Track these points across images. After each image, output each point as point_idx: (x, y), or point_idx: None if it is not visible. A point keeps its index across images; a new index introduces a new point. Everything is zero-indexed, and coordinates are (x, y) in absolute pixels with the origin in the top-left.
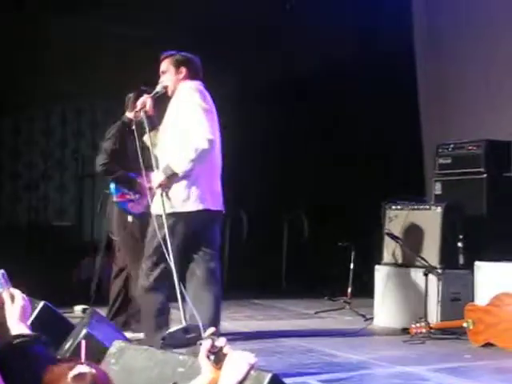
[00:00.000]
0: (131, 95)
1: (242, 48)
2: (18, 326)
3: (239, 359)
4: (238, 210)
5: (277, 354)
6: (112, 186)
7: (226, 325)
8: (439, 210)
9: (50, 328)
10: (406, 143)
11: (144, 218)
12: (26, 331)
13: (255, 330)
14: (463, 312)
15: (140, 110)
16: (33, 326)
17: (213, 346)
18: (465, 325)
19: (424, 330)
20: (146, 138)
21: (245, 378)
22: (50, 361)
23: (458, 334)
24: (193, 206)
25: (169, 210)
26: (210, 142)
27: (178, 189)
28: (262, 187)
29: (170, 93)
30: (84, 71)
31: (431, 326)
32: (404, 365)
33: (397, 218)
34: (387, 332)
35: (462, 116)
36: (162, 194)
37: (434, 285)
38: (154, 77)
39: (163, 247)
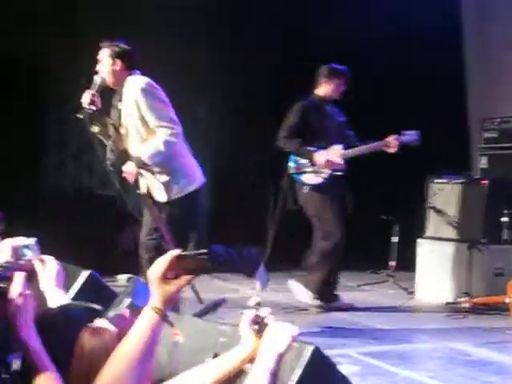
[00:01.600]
0: (325, 70)
1: (276, 26)
2: (53, 290)
3: (281, 330)
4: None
5: (318, 327)
6: (291, 159)
7: (269, 297)
8: (484, 184)
9: (95, 297)
10: (453, 116)
11: (321, 188)
12: (63, 295)
13: (298, 303)
14: (507, 287)
15: (90, 105)
16: (79, 295)
17: (256, 315)
18: (507, 300)
19: (467, 305)
20: (96, 129)
21: (286, 350)
22: None
23: (501, 309)
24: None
25: (180, 194)
26: (176, 135)
27: (177, 172)
28: None
29: (111, 84)
30: None
31: (474, 300)
32: (445, 339)
33: (441, 192)
34: (429, 306)
35: (510, 89)
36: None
37: (477, 259)
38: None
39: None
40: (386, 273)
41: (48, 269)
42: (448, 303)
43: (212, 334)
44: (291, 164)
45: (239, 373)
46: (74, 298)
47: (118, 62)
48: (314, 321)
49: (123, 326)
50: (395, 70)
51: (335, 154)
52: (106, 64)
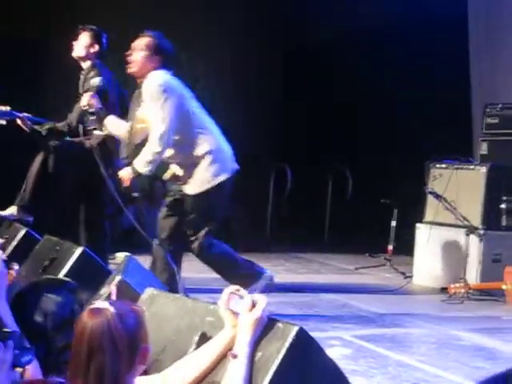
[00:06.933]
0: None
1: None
2: None
3: (250, 306)
4: (282, 164)
5: (313, 308)
6: None
7: None
8: (484, 170)
9: (88, 274)
10: (456, 102)
11: None
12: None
13: (294, 284)
14: (503, 274)
15: (89, 108)
16: (70, 272)
17: (231, 295)
18: (504, 287)
19: (463, 291)
20: (104, 131)
21: (263, 332)
22: (69, 306)
23: (497, 295)
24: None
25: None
26: (162, 143)
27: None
28: (307, 142)
29: (137, 75)
30: None
31: (470, 286)
32: (439, 324)
33: (441, 177)
34: (426, 291)
35: None
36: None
37: (475, 245)
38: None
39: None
40: (383, 256)
41: None
42: (444, 288)
43: (200, 313)
44: None
45: (223, 359)
46: (66, 274)
47: (154, 55)
48: (307, 303)
49: (120, 307)
50: (399, 56)
51: None
52: (139, 53)
